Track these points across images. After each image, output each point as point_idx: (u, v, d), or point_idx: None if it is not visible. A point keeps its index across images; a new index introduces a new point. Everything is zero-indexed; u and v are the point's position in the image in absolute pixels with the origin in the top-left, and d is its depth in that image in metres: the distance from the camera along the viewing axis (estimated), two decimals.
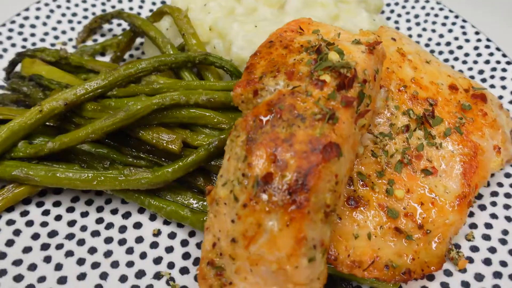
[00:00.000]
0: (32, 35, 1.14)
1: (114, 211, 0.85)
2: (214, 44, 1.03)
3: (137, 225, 0.84)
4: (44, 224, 0.82)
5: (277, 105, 0.71)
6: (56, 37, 1.15)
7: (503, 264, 0.75)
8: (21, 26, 1.14)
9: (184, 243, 0.81)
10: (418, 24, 1.16)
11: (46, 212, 0.84)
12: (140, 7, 1.26)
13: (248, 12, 1.07)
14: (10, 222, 0.82)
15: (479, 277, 0.74)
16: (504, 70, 1.03)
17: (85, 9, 1.22)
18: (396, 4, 1.22)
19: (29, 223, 0.82)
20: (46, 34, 1.15)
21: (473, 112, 0.86)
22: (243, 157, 0.70)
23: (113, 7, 1.24)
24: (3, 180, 0.85)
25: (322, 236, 0.68)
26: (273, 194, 0.65)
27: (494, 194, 0.85)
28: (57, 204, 0.86)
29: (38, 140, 0.87)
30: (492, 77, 1.03)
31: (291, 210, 0.64)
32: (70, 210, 0.85)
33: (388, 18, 1.20)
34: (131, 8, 1.25)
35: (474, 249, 0.78)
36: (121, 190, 0.83)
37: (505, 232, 0.79)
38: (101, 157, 0.86)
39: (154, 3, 1.27)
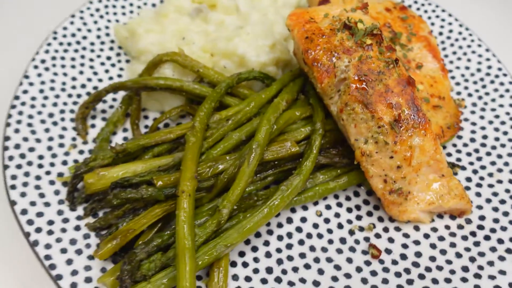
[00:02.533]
0: (40, 157, 1.02)
1: (279, 225, 1.02)
2: (223, 65, 1.16)
3: (303, 219, 1.03)
4: (255, 271, 0.94)
5: (362, 74, 0.99)
6: (61, 145, 1.06)
7: (476, 91, 1.27)
8: (22, 156, 1.01)
9: (339, 204, 1.06)
10: None
11: (245, 264, 0.95)
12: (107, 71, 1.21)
13: (219, 27, 1.21)
14: None
15: (473, 104, 1.24)
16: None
17: (54, 104, 1.11)
18: None
19: (248, 279, 0.93)
20: (50, 148, 1.04)
21: (409, 19, 1.30)
22: (371, 117, 0.98)
23: (89, 91, 1.16)
24: None
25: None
26: (407, 124, 0.97)
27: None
28: (242, 254, 0.96)
29: (202, 219, 0.93)
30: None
31: (422, 125, 0.98)
32: (255, 249, 0.98)
33: None
34: (89, 80, 1.19)
35: (457, 93, 1.27)
36: None
37: (462, 75, 1.30)
38: (247, 197, 0.98)
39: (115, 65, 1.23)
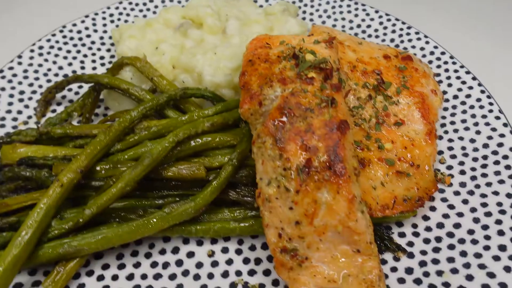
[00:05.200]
0: None
1: (162, 251, 0.91)
2: (182, 79, 1.13)
3: (190, 254, 0.91)
4: None
5: (287, 107, 0.86)
6: (15, 119, 1.14)
7: (473, 169, 1.00)
8: None
9: (238, 251, 0.91)
10: (329, 17, 1.40)
11: (100, 277, 0.87)
12: (83, 68, 1.29)
13: (197, 43, 1.19)
14: None
15: (462, 184, 0.98)
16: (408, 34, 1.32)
17: (30, 84, 1.21)
18: (305, 5, 1.44)
19: None
20: (3, 119, 1.13)
21: (408, 70, 1.10)
22: (278, 156, 0.83)
23: (53, 76, 1.25)
24: (44, 265, 0.86)
25: (359, 193, 0.84)
26: (317, 173, 0.80)
27: (443, 125, 1.10)
28: (106, 266, 0.88)
29: (67, 214, 0.89)
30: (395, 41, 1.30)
31: (336, 179, 0.80)
32: (122, 266, 0.89)
33: (304, 19, 1.41)
34: (74, 72, 1.27)
35: (449, 167, 1.02)
36: (166, 228, 0.89)
37: (463, 148, 1.04)
38: (132, 209, 0.91)
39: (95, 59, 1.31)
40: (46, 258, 0.83)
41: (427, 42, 1.26)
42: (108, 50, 1.34)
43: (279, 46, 0.98)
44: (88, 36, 1.35)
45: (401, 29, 1.31)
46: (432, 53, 1.24)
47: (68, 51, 1.30)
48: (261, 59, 0.95)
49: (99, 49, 1.33)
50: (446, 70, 1.19)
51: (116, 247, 0.90)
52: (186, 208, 0.88)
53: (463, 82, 1.15)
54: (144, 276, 0.87)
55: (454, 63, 1.20)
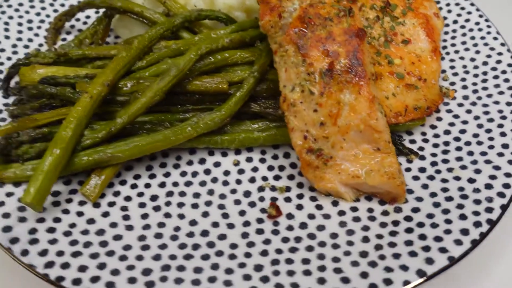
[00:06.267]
0: (2, 50, 1.10)
1: (189, 162, 0.95)
2: (193, 3, 1.14)
3: (217, 164, 0.95)
4: (140, 195, 0.89)
5: (307, 16, 0.90)
6: (26, 46, 1.13)
7: (474, 84, 1.07)
8: None
9: (262, 160, 0.96)
10: None
11: (134, 186, 0.90)
12: None
13: None
14: (112, 204, 0.87)
15: (465, 97, 1.05)
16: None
17: (37, 14, 1.20)
18: None
19: (128, 198, 0.88)
20: (14, 46, 1.12)
21: None
22: (301, 62, 0.88)
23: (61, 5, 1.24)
24: (78, 175, 0.89)
25: (377, 95, 0.90)
26: (339, 75, 0.86)
27: (444, 47, 1.17)
28: (137, 177, 0.92)
29: (98, 126, 0.91)
30: None
31: (357, 81, 0.85)
32: (152, 176, 0.92)
33: None
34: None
35: (452, 83, 1.09)
36: (193, 139, 0.93)
37: (464, 66, 1.11)
38: (158, 123, 0.94)
39: None
40: (82, 166, 0.86)
41: None
42: None
43: None
44: None
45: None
46: None
47: None
48: None
49: None
50: None
51: (144, 160, 0.94)
52: (213, 118, 0.92)
53: (462, 8, 1.22)
54: (175, 184, 0.91)
55: None
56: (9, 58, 1.09)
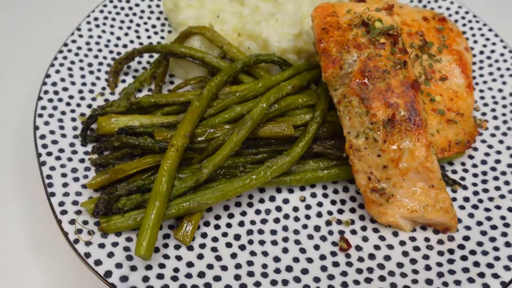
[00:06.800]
0: (71, 97, 1.17)
1: (261, 200, 1.06)
2: (247, 46, 1.23)
3: (286, 201, 1.07)
4: (224, 235, 1.00)
5: (367, 69, 1.01)
6: (91, 91, 1.20)
7: (503, 114, 1.20)
8: (56, 92, 1.16)
9: (325, 195, 1.08)
10: None
11: (217, 226, 1.01)
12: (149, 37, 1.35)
13: (253, 11, 1.28)
14: (203, 246, 0.97)
15: (496, 128, 1.18)
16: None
17: (95, 56, 1.27)
18: None
19: (215, 239, 0.99)
20: (81, 91, 1.19)
21: (446, 31, 1.27)
22: (365, 112, 0.99)
23: (122, 48, 1.31)
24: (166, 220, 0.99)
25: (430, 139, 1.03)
26: (400, 125, 0.97)
27: (473, 77, 1.29)
28: (218, 217, 1.02)
29: (183, 174, 1.01)
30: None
31: (416, 130, 0.97)
32: (231, 216, 1.03)
33: None
34: (131, 41, 1.33)
35: (483, 114, 1.22)
36: (267, 181, 1.04)
37: (493, 97, 1.24)
38: (234, 166, 1.05)
39: (150, 36, 1.37)
40: (176, 214, 0.96)
41: (451, 2, 1.42)
42: (158, 19, 1.40)
43: (347, 14, 1.11)
44: (137, 5, 1.40)
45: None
46: (456, 12, 1.40)
47: (122, 21, 1.35)
48: (334, 27, 1.08)
49: (149, 18, 1.39)
50: (471, 28, 1.36)
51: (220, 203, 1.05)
52: (283, 162, 1.03)
53: (487, 39, 1.34)
54: (253, 222, 1.03)
55: (477, 21, 1.37)
56: (78, 105, 1.17)
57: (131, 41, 1.33)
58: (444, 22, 1.28)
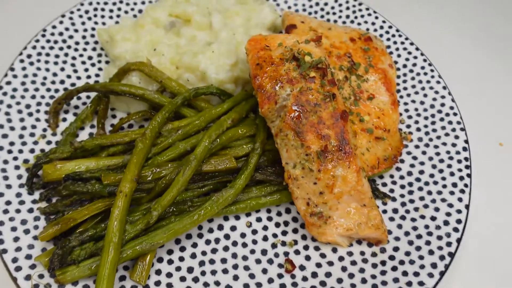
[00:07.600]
0: (11, 143, 1.17)
1: (210, 230, 1.13)
2: (186, 78, 1.27)
3: (233, 228, 1.14)
4: (178, 269, 1.06)
5: (299, 104, 1.08)
6: (32, 134, 1.20)
7: (425, 126, 1.32)
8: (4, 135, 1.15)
9: (269, 218, 1.16)
10: None
11: (170, 261, 1.07)
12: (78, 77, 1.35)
13: (190, 41, 1.31)
14: (158, 283, 1.03)
15: (420, 139, 1.30)
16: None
17: (33, 96, 1.25)
18: None
19: (169, 275, 1.05)
20: (21, 136, 1.19)
21: (371, 50, 1.36)
22: (300, 145, 1.07)
23: (65, 87, 1.30)
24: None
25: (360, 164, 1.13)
26: (332, 155, 1.06)
27: (398, 91, 1.40)
28: (170, 252, 1.08)
29: (135, 217, 1.05)
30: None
31: (347, 158, 1.07)
32: (183, 249, 1.09)
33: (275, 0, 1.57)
34: (69, 76, 1.32)
35: (407, 127, 1.34)
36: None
37: (416, 109, 1.36)
38: (182, 202, 1.10)
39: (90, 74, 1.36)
40: (130, 257, 1.00)
41: (376, 17, 1.51)
42: (94, 49, 1.40)
43: (278, 48, 1.17)
44: (71, 37, 1.38)
45: (354, 6, 1.54)
46: (381, 27, 1.50)
47: (57, 56, 1.34)
48: (267, 62, 1.14)
49: (84, 49, 1.38)
50: (395, 43, 1.47)
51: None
52: (228, 195, 1.10)
53: (409, 53, 1.45)
54: (204, 253, 1.09)
55: (400, 35, 1.48)
56: (20, 151, 1.16)
57: (68, 76, 1.32)
58: (369, 42, 1.38)
